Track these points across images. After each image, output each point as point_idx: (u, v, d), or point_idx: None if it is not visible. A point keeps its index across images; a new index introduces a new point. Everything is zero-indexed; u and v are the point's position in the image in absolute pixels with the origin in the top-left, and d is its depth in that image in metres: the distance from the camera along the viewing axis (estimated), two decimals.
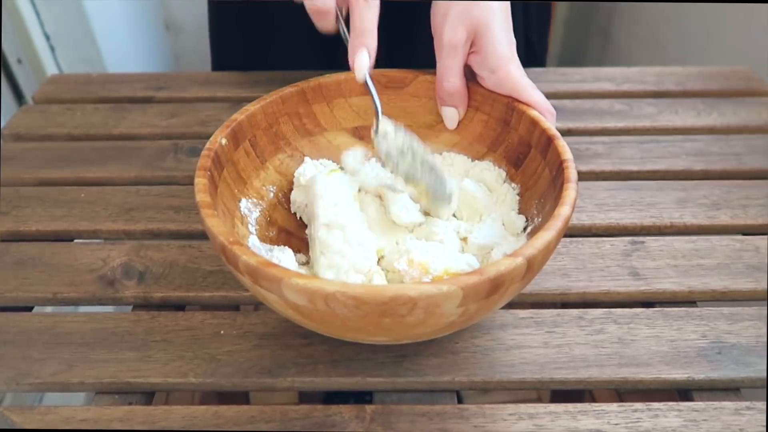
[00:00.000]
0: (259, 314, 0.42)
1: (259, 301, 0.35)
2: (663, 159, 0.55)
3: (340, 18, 0.42)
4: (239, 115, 0.42)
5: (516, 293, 0.33)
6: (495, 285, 0.30)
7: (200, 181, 0.36)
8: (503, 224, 0.41)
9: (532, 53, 0.73)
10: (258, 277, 0.30)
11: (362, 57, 0.40)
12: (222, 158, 0.39)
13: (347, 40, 0.41)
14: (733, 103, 0.62)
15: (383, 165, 0.42)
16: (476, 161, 0.45)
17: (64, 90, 0.66)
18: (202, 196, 0.35)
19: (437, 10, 0.43)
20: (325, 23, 0.41)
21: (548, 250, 0.32)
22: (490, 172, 0.44)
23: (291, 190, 0.44)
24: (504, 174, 0.44)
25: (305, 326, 0.34)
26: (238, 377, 0.38)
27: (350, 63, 0.40)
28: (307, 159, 0.45)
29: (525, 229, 0.40)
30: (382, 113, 0.41)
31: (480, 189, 0.43)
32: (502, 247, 0.38)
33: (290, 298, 0.30)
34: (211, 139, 0.39)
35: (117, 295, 0.43)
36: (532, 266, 0.31)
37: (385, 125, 0.41)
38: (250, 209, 0.41)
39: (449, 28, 0.42)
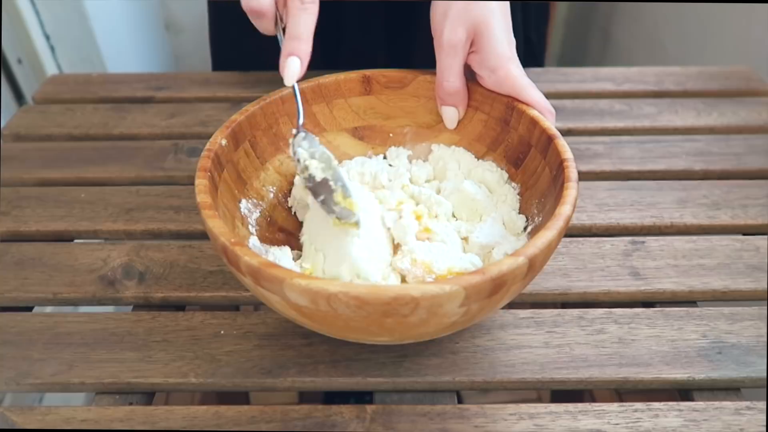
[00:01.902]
0: (260, 314, 0.42)
1: (261, 301, 0.35)
2: (663, 159, 0.55)
3: (279, 23, 0.41)
4: (239, 116, 0.42)
5: (517, 293, 0.33)
6: (497, 284, 0.30)
7: (201, 182, 0.36)
8: (504, 224, 0.41)
9: (531, 52, 0.73)
10: (260, 278, 0.30)
11: (292, 63, 0.39)
12: (222, 159, 0.39)
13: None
14: (733, 103, 0.62)
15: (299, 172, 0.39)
16: (480, 160, 0.45)
17: (64, 90, 0.66)
18: (203, 197, 0.35)
19: (437, 10, 0.43)
20: (263, 24, 0.41)
21: (549, 250, 0.32)
22: (492, 173, 0.44)
23: (291, 190, 0.44)
24: (506, 176, 0.44)
25: (307, 327, 0.34)
26: (238, 377, 0.38)
27: (280, 68, 0.39)
28: None
29: (525, 228, 0.40)
30: (303, 124, 0.41)
31: (480, 191, 0.43)
32: (503, 247, 0.38)
33: (292, 299, 0.30)
34: (210, 139, 0.39)
35: (117, 296, 0.43)
36: (534, 265, 0.31)
37: (304, 138, 0.39)
38: (250, 210, 0.41)
39: (449, 28, 0.42)
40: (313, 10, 0.39)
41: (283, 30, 0.41)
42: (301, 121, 0.41)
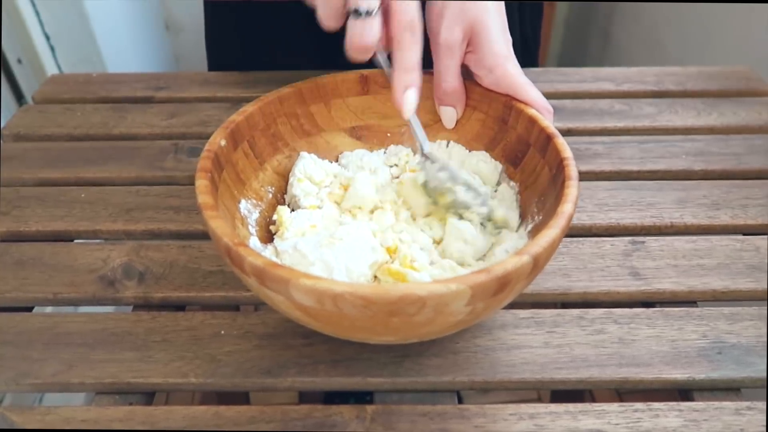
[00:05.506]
0: (260, 314, 0.42)
1: (263, 301, 0.35)
2: (663, 159, 0.55)
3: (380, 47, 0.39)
4: (237, 116, 0.41)
5: (521, 291, 0.33)
6: (502, 283, 0.30)
7: (201, 183, 0.36)
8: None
9: (526, 49, 0.73)
10: (265, 278, 0.30)
11: (410, 96, 0.38)
12: (221, 159, 0.39)
13: (388, 72, 0.39)
14: (733, 103, 0.62)
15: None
16: (473, 152, 0.45)
17: (64, 90, 0.66)
18: (204, 197, 0.35)
19: (432, 10, 0.43)
20: (363, 58, 0.38)
21: (553, 248, 0.32)
22: (486, 163, 0.44)
23: None
24: (500, 167, 0.44)
25: (312, 327, 0.34)
26: (238, 377, 0.38)
27: (397, 100, 0.39)
28: (303, 154, 0.45)
29: (525, 227, 0.40)
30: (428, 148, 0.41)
31: (475, 181, 0.43)
32: (505, 244, 0.38)
33: (298, 299, 0.30)
34: (210, 140, 0.39)
35: (117, 296, 0.43)
36: (538, 264, 0.31)
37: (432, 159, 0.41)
38: (249, 210, 0.41)
39: (446, 28, 0.42)
40: (421, 38, 0.38)
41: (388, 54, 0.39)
42: (426, 149, 0.41)
